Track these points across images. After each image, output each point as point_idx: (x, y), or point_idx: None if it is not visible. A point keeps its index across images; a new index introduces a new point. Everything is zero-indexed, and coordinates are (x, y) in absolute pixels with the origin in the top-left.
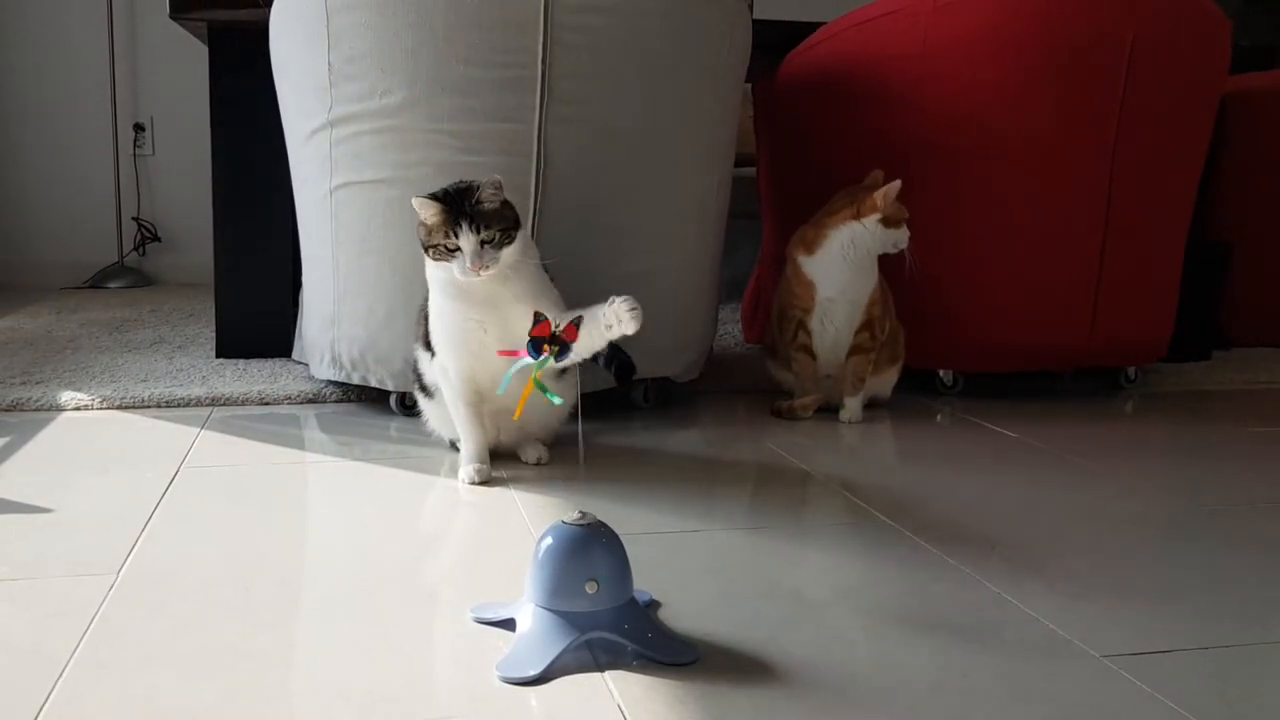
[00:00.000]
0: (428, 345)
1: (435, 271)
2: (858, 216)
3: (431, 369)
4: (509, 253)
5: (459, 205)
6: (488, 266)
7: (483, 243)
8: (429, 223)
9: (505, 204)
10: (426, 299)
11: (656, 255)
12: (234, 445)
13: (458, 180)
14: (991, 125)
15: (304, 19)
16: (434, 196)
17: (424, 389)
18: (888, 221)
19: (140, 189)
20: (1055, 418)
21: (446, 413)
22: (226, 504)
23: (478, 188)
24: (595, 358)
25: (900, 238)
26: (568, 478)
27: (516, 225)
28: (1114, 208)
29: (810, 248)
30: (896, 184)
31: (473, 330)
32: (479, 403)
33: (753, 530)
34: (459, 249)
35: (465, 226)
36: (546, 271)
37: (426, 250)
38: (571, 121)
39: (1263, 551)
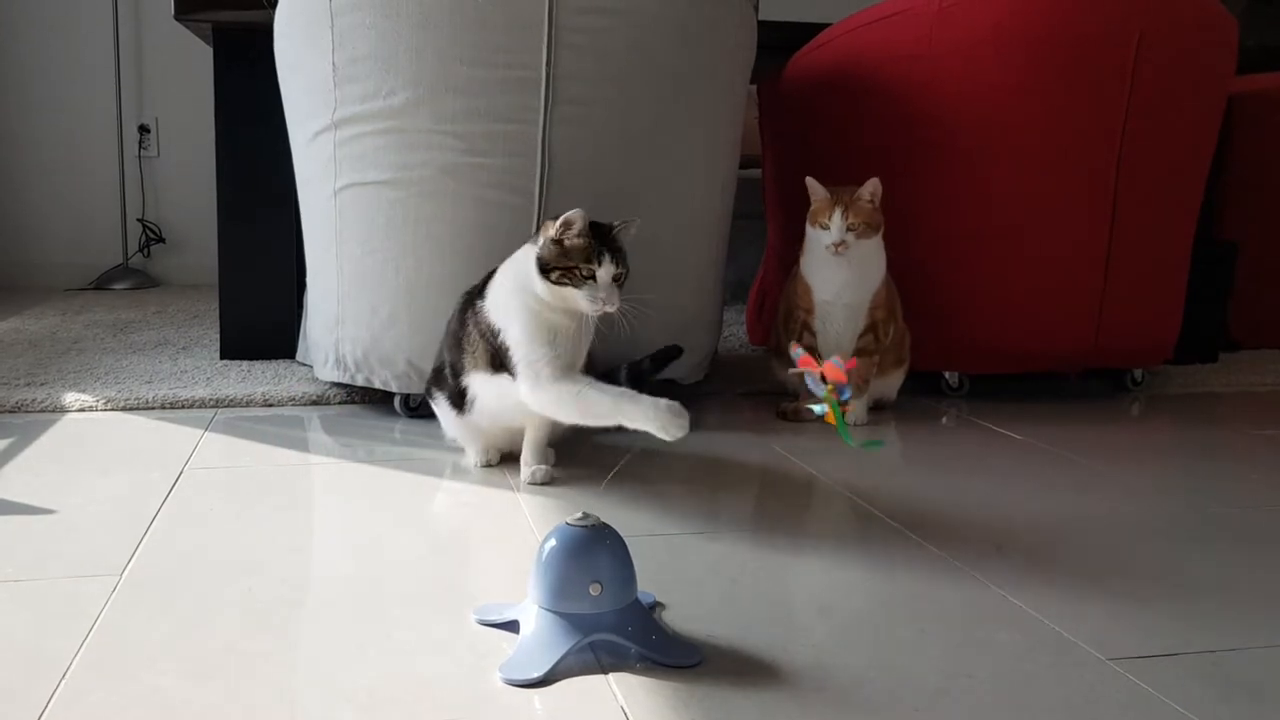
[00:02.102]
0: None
1: (533, 289)
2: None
3: (473, 379)
4: (620, 294)
5: (604, 235)
6: (614, 303)
7: (614, 278)
8: (571, 243)
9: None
10: (462, 307)
11: (661, 256)
12: (238, 447)
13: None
14: (997, 126)
15: (308, 20)
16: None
17: (456, 400)
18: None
19: (145, 190)
20: (1061, 419)
21: (473, 422)
22: (230, 505)
23: (617, 225)
24: (640, 376)
25: (817, 236)
26: (572, 480)
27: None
28: (1120, 209)
29: (802, 249)
30: (808, 180)
31: (560, 334)
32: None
33: (757, 532)
34: (592, 278)
35: (608, 259)
36: None
37: (547, 271)
38: (576, 123)
39: (1270, 554)
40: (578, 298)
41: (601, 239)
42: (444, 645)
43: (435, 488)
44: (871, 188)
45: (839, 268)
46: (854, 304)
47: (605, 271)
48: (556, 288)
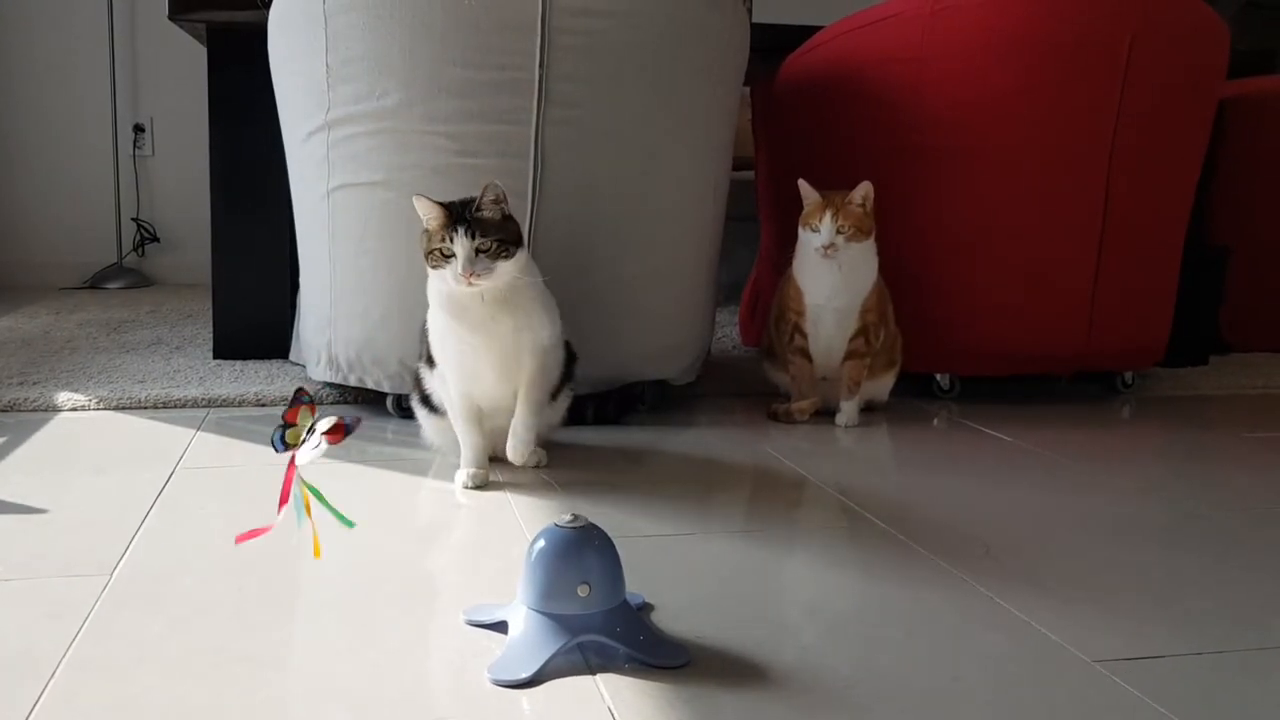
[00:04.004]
0: (430, 360)
1: (434, 284)
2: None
3: (434, 380)
4: (506, 268)
5: (459, 211)
6: (479, 275)
7: (478, 250)
8: (429, 226)
9: (507, 218)
10: (428, 314)
11: (654, 257)
12: (230, 446)
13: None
14: (989, 128)
15: (302, 21)
16: (438, 201)
17: (426, 401)
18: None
19: (139, 190)
20: (1051, 422)
21: (447, 427)
22: (221, 505)
23: (480, 196)
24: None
25: (808, 239)
26: (562, 481)
27: (517, 242)
28: (1111, 212)
29: (794, 252)
30: (800, 183)
31: (468, 354)
32: (479, 414)
33: (747, 533)
34: (454, 255)
35: (461, 232)
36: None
37: (426, 257)
38: (569, 124)
39: (1257, 556)
40: (447, 277)
41: (458, 215)
42: (433, 646)
43: (425, 488)
44: (863, 191)
45: (830, 271)
46: (845, 308)
47: (461, 245)
48: (435, 273)
